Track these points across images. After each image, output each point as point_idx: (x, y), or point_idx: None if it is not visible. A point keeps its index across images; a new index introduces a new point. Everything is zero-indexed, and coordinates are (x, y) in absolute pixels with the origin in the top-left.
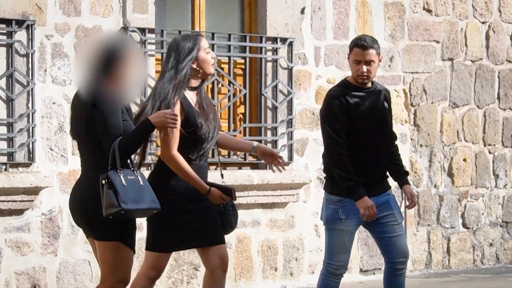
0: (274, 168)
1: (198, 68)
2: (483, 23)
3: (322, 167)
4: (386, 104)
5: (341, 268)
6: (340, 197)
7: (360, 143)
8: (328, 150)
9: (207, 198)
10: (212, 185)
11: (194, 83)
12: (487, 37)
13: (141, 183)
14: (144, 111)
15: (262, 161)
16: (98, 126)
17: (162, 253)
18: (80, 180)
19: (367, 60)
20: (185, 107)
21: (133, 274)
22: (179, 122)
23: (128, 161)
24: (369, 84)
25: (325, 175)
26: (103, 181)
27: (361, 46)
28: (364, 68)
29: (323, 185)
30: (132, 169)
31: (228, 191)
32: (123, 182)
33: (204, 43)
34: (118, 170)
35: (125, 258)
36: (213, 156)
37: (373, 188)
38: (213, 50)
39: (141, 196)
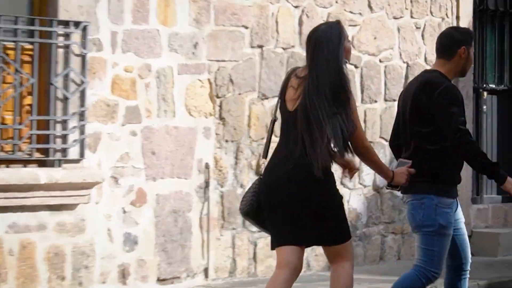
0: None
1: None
2: (296, 7)
3: (417, 168)
4: None
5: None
6: (451, 199)
7: None
8: (465, 141)
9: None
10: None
11: None
12: (300, 23)
13: None
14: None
15: (50, 158)
16: None
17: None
18: None
19: None
20: None
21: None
22: None
23: None
24: None
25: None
26: None
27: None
28: None
29: (399, 189)
30: None
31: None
32: None
33: (346, 31)
34: None
35: None
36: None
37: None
38: None
39: None
